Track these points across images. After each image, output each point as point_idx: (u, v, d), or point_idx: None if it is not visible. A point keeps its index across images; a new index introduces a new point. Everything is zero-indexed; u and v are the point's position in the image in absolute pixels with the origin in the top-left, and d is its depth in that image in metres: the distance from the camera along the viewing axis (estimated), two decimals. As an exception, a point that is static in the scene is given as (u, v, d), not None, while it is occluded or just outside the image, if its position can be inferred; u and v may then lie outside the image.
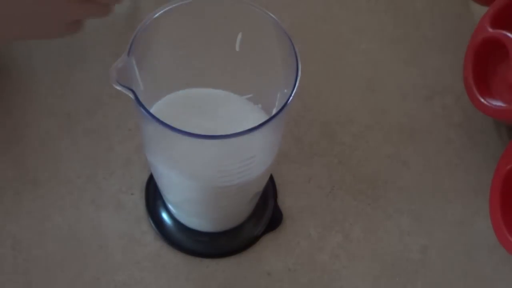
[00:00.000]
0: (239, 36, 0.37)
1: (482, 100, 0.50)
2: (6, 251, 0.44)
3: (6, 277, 0.43)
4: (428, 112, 0.55)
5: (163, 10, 0.34)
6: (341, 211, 0.49)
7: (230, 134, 0.30)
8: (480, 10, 0.54)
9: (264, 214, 0.47)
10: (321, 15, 0.61)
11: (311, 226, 0.48)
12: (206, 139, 0.30)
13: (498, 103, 0.50)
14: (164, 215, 0.46)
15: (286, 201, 0.49)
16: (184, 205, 0.43)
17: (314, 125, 0.53)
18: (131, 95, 0.31)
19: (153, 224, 0.46)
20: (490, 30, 0.50)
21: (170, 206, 0.45)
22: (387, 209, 0.49)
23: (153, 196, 0.47)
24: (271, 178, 0.49)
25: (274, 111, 0.31)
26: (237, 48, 0.37)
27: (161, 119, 0.31)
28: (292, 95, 0.32)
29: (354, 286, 0.45)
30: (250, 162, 0.35)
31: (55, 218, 0.46)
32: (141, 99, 0.31)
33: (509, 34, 0.48)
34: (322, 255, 0.46)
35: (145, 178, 0.48)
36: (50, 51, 0.55)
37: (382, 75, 0.57)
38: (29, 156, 0.49)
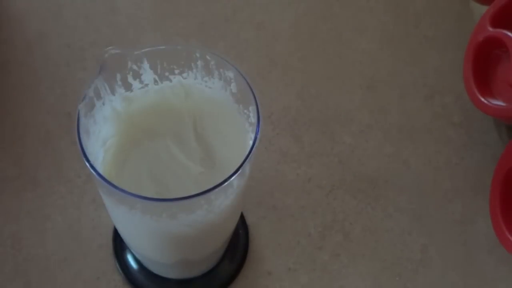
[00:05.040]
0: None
1: (482, 99, 0.50)
2: (6, 251, 0.44)
3: (6, 276, 0.43)
4: (428, 112, 0.55)
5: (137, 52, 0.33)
6: (341, 211, 0.49)
7: (177, 198, 0.27)
8: (480, 9, 0.54)
9: (237, 249, 0.45)
10: (321, 14, 0.61)
11: (311, 226, 0.48)
12: (155, 201, 0.28)
13: (498, 102, 0.49)
14: (131, 261, 0.43)
15: (286, 200, 0.49)
16: (141, 249, 0.39)
17: (314, 124, 0.53)
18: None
19: (120, 269, 0.43)
20: (490, 29, 0.50)
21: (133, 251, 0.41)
22: (387, 208, 0.49)
23: (120, 240, 0.43)
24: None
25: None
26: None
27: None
28: (250, 156, 0.29)
29: (354, 286, 0.45)
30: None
31: (55, 218, 0.46)
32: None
33: (509, 33, 0.48)
34: (322, 255, 0.46)
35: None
36: (50, 51, 0.55)
37: (382, 75, 0.57)
38: (29, 156, 0.49)
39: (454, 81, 0.56)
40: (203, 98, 0.36)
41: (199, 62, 0.34)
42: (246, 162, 0.29)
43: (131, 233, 0.36)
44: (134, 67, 0.34)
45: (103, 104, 0.33)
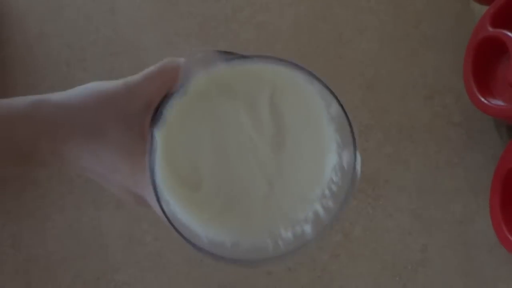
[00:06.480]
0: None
1: (482, 99, 0.50)
2: (7, 250, 0.44)
3: (6, 276, 0.43)
4: (428, 112, 0.55)
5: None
6: (341, 211, 0.49)
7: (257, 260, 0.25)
8: (480, 9, 0.54)
9: None
10: (321, 15, 0.61)
11: (311, 226, 0.48)
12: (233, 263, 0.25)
13: (498, 102, 0.49)
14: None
15: (286, 200, 0.49)
16: None
17: (314, 124, 0.53)
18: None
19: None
20: (490, 29, 0.50)
21: None
22: (387, 208, 0.49)
23: None
24: None
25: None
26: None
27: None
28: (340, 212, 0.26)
29: (354, 286, 0.45)
30: None
31: (56, 218, 0.46)
32: None
33: (509, 33, 0.48)
34: (322, 255, 0.46)
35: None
36: (50, 51, 0.55)
37: (382, 75, 0.57)
38: (29, 155, 0.49)
39: (454, 81, 0.56)
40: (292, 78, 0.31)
41: None
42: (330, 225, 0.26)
43: None
44: None
45: None
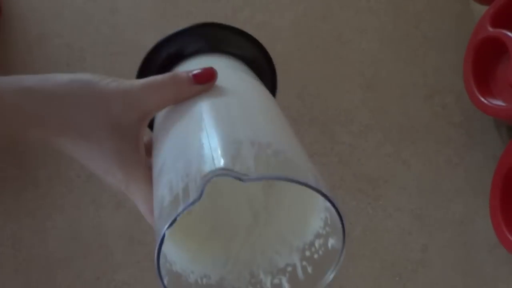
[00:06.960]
0: None
1: (482, 99, 0.50)
2: (7, 250, 0.44)
3: (6, 276, 0.43)
4: (428, 111, 0.55)
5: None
6: (341, 211, 0.49)
7: None
8: (480, 10, 0.54)
9: None
10: (321, 14, 0.61)
11: (311, 226, 0.48)
12: None
13: (498, 102, 0.49)
14: None
15: (286, 200, 0.49)
16: None
17: (314, 124, 0.53)
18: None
19: None
20: (490, 29, 0.50)
21: None
22: (387, 208, 0.49)
23: None
24: None
25: None
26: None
27: None
28: None
29: (354, 286, 0.45)
30: None
31: (56, 218, 0.46)
32: None
33: (509, 33, 0.48)
34: (322, 255, 0.46)
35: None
36: (50, 51, 0.55)
37: (382, 75, 0.57)
38: (29, 156, 0.49)
39: (454, 81, 0.56)
40: None
41: None
42: None
43: None
44: None
45: None
